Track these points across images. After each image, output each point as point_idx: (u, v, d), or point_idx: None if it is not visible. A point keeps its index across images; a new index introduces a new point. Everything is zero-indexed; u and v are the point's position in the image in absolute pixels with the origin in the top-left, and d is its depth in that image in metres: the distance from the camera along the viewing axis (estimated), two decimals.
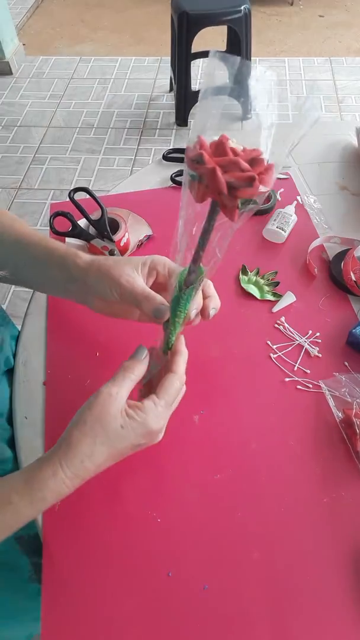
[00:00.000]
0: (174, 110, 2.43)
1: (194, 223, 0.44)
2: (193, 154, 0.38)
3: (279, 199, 0.81)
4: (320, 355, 0.62)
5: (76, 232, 0.73)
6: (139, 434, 0.45)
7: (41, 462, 0.43)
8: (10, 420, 0.61)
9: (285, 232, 0.74)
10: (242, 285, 0.70)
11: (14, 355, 0.66)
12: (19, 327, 0.70)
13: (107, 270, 0.51)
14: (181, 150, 0.93)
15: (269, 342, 0.64)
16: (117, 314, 0.56)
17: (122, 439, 0.44)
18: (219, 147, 0.39)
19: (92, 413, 0.44)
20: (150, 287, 0.52)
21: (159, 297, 0.50)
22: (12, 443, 0.59)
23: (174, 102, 2.45)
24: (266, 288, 0.70)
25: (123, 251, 0.73)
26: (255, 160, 0.39)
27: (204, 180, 0.38)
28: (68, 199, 0.75)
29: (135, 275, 0.51)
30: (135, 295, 0.50)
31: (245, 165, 0.38)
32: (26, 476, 0.43)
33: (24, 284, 0.62)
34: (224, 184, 0.37)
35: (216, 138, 0.39)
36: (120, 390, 0.45)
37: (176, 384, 0.47)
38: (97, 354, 0.64)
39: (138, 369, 0.47)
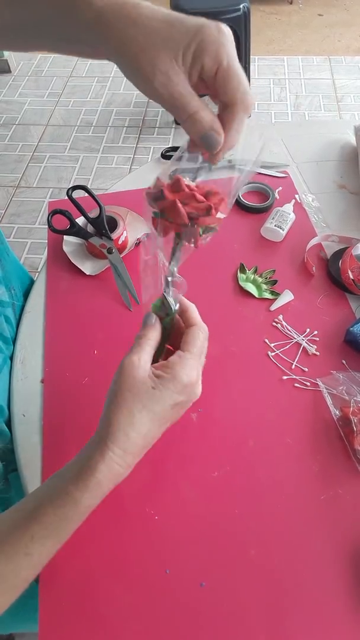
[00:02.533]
0: None
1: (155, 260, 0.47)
2: (154, 192, 0.43)
3: (277, 197, 0.81)
4: (318, 353, 0.62)
5: (74, 230, 0.73)
6: (174, 390, 0.43)
7: (89, 446, 0.43)
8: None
9: (283, 230, 0.74)
10: (240, 283, 0.70)
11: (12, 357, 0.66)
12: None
13: (135, 57, 0.35)
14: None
15: (266, 341, 0.64)
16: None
17: (157, 401, 0.42)
18: (175, 185, 0.43)
19: (121, 385, 0.43)
20: (194, 84, 0.37)
21: (207, 119, 0.37)
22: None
23: None
24: (264, 286, 0.70)
25: (121, 249, 0.73)
26: (209, 192, 0.43)
27: (166, 215, 0.43)
28: (66, 197, 0.74)
29: (173, 71, 0.35)
30: (174, 107, 0.37)
31: (201, 197, 0.42)
32: (79, 465, 0.42)
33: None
34: (185, 215, 0.42)
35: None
36: (141, 355, 0.44)
37: (199, 335, 0.46)
38: (95, 352, 0.64)
39: (152, 334, 0.46)
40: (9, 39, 0.43)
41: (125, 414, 0.42)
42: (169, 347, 0.49)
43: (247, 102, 0.38)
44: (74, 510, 0.41)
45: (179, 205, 0.41)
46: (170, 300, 0.47)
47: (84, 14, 0.36)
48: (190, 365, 0.44)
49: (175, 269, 0.47)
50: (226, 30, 0.36)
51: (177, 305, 0.48)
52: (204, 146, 0.39)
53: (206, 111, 0.38)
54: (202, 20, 0.36)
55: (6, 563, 0.40)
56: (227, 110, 0.39)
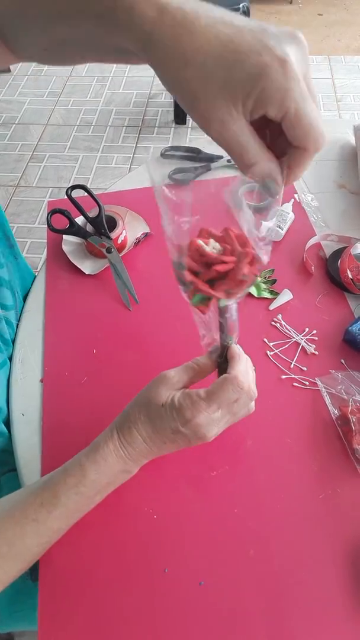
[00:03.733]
0: (173, 109, 2.43)
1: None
2: (177, 272, 0.40)
3: None
4: (316, 352, 0.62)
5: (74, 229, 0.73)
6: (175, 418, 0.45)
7: (105, 430, 0.48)
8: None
9: (282, 230, 0.74)
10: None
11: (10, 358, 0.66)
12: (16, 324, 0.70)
13: (190, 102, 0.32)
14: (179, 148, 0.93)
15: (265, 340, 0.64)
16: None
17: (160, 418, 0.45)
18: (197, 253, 0.40)
19: (146, 389, 0.47)
20: (257, 124, 0.32)
21: (266, 170, 0.33)
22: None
23: (172, 100, 2.44)
24: (263, 286, 0.70)
25: (120, 249, 0.73)
26: (241, 254, 0.39)
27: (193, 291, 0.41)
28: (66, 197, 0.74)
29: (230, 118, 0.31)
30: (231, 155, 0.33)
31: (240, 275, 0.39)
32: (93, 444, 0.47)
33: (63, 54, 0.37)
34: (223, 295, 0.40)
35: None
36: (177, 374, 0.47)
37: (229, 389, 0.45)
38: (95, 351, 0.64)
39: (204, 363, 0.48)
40: (50, 56, 0.38)
41: (134, 412, 0.46)
42: None
43: (319, 145, 0.33)
44: (82, 481, 0.45)
45: (217, 294, 0.40)
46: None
47: (130, 33, 0.30)
48: (199, 409, 0.44)
49: (232, 337, 0.48)
50: (295, 68, 0.30)
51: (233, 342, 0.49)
52: (262, 191, 0.36)
53: (265, 162, 0.33)
54: (265, 59, 0.29)
55: (14, 527, 0.43)
56: (296, 152, 0.34)
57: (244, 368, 0.47)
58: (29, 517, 0.43)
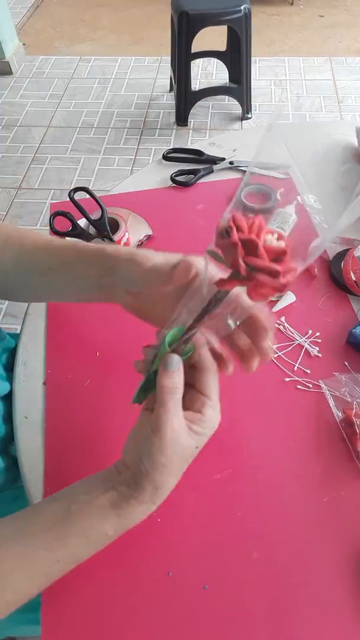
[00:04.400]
0: (174, 110, 2.43)
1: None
2: (221, 228, 0.35)
3: (279, 198, 0.81)
4: (320, 355, 0.62)
5: (76, 232, 0.73)
6: (209, 436, 0.43)
7: (130, 503, 0.42)
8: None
9: (285, 231, 0.74)
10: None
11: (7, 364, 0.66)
12: (19, 327, 0.70)
13: (137, 260, 0.47)
14: (181, 150, 0.93)
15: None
16: (145, 312, 0.50)
17: (196, 453, 0.43)
18: (251, 226, 0.35)
19: (167, 455, 0.41)
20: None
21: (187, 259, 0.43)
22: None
23: (174, 102, 2.45)
24: None
25: None
26: (278, 256, 0.35)
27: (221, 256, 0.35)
28: (68, 199, 0.74)
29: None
30: (161, 272, 0.44)
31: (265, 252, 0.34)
32: (124, 520, 0.43)
33: (41, 296, 0.62)
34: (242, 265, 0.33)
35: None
36: (178, 416, 0.41)
37: (216, 377, 0.44)
38: (97, 354, 0.64)
39: (180, 382, 0.42)
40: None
41: (174, 478, 0.43)
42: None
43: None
44: (102, 542, 0.44)
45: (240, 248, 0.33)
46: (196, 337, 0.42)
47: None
48: (218, 411, 0.43)
49: (205, 317, 0.40)
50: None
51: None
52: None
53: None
54: None
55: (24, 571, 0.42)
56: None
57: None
58: (42, 570, 0.42)
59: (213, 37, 2.39)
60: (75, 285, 0.54)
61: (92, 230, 0.74)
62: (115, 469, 0.44)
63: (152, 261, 0.46)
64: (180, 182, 0.85)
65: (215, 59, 2.59)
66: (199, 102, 2.39)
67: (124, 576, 0.47)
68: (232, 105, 2.48)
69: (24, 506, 0.46)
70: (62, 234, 0.74)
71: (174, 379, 0.41)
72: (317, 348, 0.63)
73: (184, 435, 0.41)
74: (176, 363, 0.42)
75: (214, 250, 0.36)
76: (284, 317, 0.66)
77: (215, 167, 0.88)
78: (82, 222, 0.74)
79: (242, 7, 2.06)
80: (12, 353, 0.69)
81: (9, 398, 0.63)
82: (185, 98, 2.32)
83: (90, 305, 0.69)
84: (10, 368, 0.66)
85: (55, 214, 0.74)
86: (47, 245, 0.55)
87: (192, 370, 0.44)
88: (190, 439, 0.41)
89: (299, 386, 0.60)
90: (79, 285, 0.54)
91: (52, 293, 0.59)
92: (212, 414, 0.43)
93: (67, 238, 0.75)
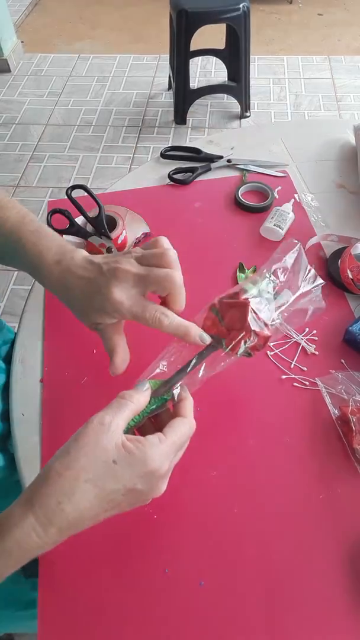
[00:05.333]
0: (173, 109, 2.43)
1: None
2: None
3: (277, 196, 0.81)
4: (317, 352, 0.62)
5: (74, 229, 0.73)
6: (136, 473, 0.37)
7: (15, 502, 0.36)
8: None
9: (282, 230, 0.74)
10: (239, 282, 0.70)
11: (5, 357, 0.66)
12: (16, 325, 0.70)
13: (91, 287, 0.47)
14: (179, 148, 0.93)
15: None
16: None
17: (112, 477, 0.36)
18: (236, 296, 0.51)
19: (79, 444, 0.36)
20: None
21: (194, 329, 0.47)
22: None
23: (172, 100, 2.45)
24: None
25: (120, 249, 0.73)
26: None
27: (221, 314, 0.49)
28: (66, 197, 0.74)
29: (129, 293, 0.46)
30: (178, 330, 0.47)
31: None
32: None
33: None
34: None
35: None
36: (115, 418, 0.38)
37: (185, 428, 0.42)
38: (95, 351, 0.64)
39: (138, 399, 0.41)
40: None
41: (68, 479, 0.35)
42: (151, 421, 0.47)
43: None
44: None
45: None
46: (175, 390, 0.46)
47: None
48: (165, 454, 0.39)
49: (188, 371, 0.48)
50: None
51: (178, 391, 0.46)
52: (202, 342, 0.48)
53: (190, 325, 0.48)
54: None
55: None
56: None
57: (191, 407, 0.45)
58: None
59: (212, 36, 2.39)
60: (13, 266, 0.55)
61: (89, 228, 0.74)
62: None
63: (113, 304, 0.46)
64: (178, 180, 0.85)
65: (214, 57, 2.59)
66: (197, 101, 2.39)
67: (121, 573, 0.48)
68: (231, 103, 2.48)
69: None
70: (60, 232, 0.74)
71: (132, 392, 0.42)
72: (314, 346, 0.63)
73: (109, 435, 0.37)
74: (144, 386, 0.44)
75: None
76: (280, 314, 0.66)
77: (213, 165, 0.88)
78: (79, 219, 0.74)
79: (241, 5, 2.06)
80: (11, 346, 0.69)
81: (6, 396, 0.63)
82: (184, 96, 2.32)
83: None
84: (8, 360, 0.66)
85: (53, 212, 0.74)
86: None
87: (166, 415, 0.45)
88: (114, 447, 0.37)
89: (295, 384, 0.60)
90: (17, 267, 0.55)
91: None
92: (154, 443, 0.38)
93: (65, 236, 0.75)
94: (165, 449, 0.39)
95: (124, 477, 0.36)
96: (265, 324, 0.49)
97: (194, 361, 0.48)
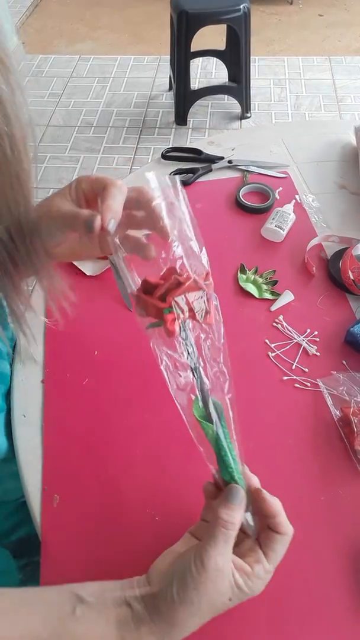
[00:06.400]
0: (173, 109, 2.43)
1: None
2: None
3: (278, 197, 0.81)
4: (318, 353, 0.62)
5: None
6: (248, 597, 0.40)
7: (139, 629, 0.38)
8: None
9: (283, 231, 0.74)
10: (241, 284, 0.70)
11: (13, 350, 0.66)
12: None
13: (46, 212, 0.46)
14: (180, 149, 0.93)
15: (267, 341, 0.64)
16: (77, 253, 0.53)
17: (225, 608, 0.39)
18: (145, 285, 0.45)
19: (200, 592, 0.37)
20: (88, 207, 0.46)
21: (84, 211, 0.44)
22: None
23: (173, 101, 2.45)
24: (264, 287, 0.70)
25: None
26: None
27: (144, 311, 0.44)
28: None
29: (63, 202, 0.46)
30: (65, 219, 0.45)
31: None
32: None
33: None
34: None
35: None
36: (226, 556, 0.39)
37: (286, 547, 0.42)
38: (96, 353, 0.64)
39: (237, 518, 0.40)
40: None
41: (195, 624, 0.39)
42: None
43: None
44: None
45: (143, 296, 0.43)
46: (212, 413, 0.43)
47: None
48: (267, 580, 0.41)
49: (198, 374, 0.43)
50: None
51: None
52: (88, 230, 0.42)
53: (83, 210, 0.44)
54: None
55: None
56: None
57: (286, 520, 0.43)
58: None
59: (212, 36, 2.39)
60: None
61: None
62: (132, 581, 0.42)
63: (53, 207, 0.46)
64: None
65: (215, 58, 2.58)
66: (198, 101, 2.39)
67: (122, 574, 0.47)
68: (231, 104, 2.48)
69: None
70: None
71: (233, 513, 0.40)
72: (315, 347, 0.63)
73: (225, 579, 0.38)
74: (240, 499, 0.41)
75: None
76: (282, 315, 0.66)
77: (214, 166, 0.88)
78: None
79: (241, 6, 2.06)
80: (13, 346, 0.69)
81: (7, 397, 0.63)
82: (185, 97, 2.32)
83: (89, 304, 0.69)
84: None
85: None
86: None
87: (263, 518, 0.42)
88: (229, 588, 0.38)
89: (297, 385, 0.60)
90: None
91: None
92: (262, 576, 0.40)
93: None
94: (268, 577, 0.41)
95: (233, 605, 0.40)
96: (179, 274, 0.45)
97: (186, 353, 0.43)
